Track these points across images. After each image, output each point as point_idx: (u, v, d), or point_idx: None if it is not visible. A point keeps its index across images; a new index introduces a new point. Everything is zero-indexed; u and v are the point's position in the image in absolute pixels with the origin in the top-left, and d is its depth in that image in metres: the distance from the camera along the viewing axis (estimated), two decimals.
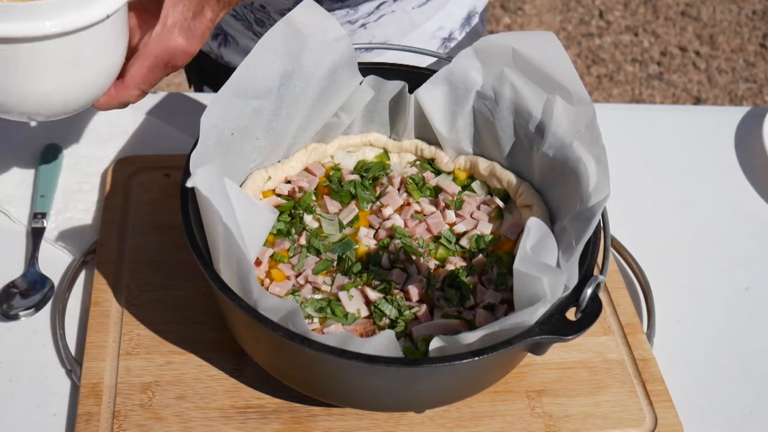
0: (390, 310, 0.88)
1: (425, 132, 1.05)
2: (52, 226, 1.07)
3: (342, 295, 0.89)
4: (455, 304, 0.90)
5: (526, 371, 0.96)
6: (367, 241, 0.95)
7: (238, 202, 0.80)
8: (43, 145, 1.17)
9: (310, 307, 0.88)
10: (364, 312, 0.89)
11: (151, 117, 1.24)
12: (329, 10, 1.07)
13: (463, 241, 0.97)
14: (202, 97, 1.30)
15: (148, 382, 0.91)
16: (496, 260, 0.94)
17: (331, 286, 0.91)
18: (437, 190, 1.02)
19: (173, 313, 0.98)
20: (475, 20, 1.35)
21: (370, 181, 1.02)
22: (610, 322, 1.03)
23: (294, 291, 0.90)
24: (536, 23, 3.21)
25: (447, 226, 0.98)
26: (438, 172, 1.05)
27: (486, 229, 0.98)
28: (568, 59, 0.91)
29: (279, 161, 1.01)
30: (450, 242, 0.97)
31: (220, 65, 1.36)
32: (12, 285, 1.00)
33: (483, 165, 1.03)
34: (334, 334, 0.74)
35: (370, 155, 1.06)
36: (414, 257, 0.94)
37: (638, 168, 1.28)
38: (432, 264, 0.95)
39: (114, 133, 1.20)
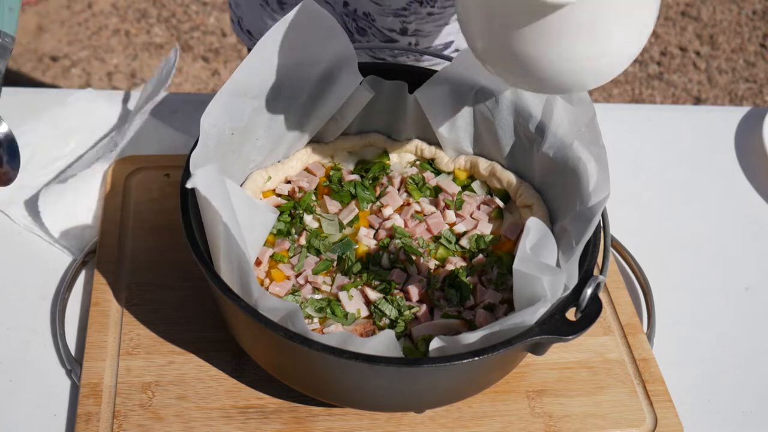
0: (390, 310, 0.88)
1: (425, 132, 1.05)
2: (52, 225, 1.07)
3: (342, 295, 0.89)
4: (455, 304, 0.90)
5: (526, 371, 0.96)
6: (367, 241, 0.96)
7: (239, 202, 0.80)
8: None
9: (310, 307, 0.88)
10: (364, 312, 0.89)
11: (151, 117, 1.24)
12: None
13: (463, 241, 0.97)
14: (202, 97, 1.30)
15: (148, 382, 0.91)
16: (496, 260, 0.94)
17: (331, 286, 0.91)
18: (437, 190, 1.03)
19: (173, 313, 0.98)
20: None
21: (370, 181, 1.02)
22: (610, 322, 1.03)
23: (294, 291, 0.90)
24: None
25: (447, 226, 0.98)
26: (438, 172, 1.05)
27: (486, 229, 0.98)
28: None
29: (279, 161, 1.01)
30: (450, 242, 0.97)
31: None
32: None
33: (483, 165, 1.03)
34: (334, 334, 0.74)
35: (370, 155, 1.06)
36: (414, 257, 0.94)
37: (638, 168, 1.28)
38: (432, 264, 0.95)
39: (114, 134, 1.20)
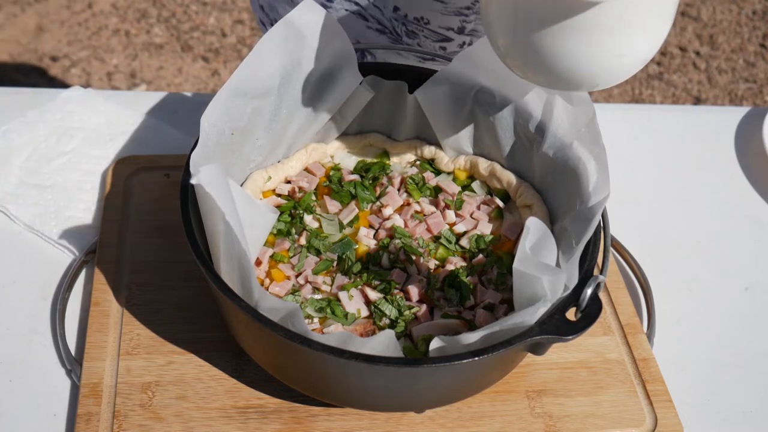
0: (390, 310, 0.88)
1: (425, 132, 1.05)
2: (52, 225, 1.07)
3: (342, 295, 0.89)
4: (455, 304, 0.90)
5: (526, 371, 0.96)
6: (367, 241, 0.96)
7: (240, 202, 0.80)
8: None
9: (310, 307, 0.88)
10: (364, 312, 0.89)
11: (151, 117, 1.24)
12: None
13: (463, 241, 0.97)
14: (202, 97, 1.30)
15: (148, 382, 0.91)
16: (496, 260, 0.94)
17: (331, 286, 0.91)
18: (437, 190, 1.03)
19: (173, 313, 0.98)
20: None
21: (370, 181, 1.02)
22: (610, 322, 1.03)
23: (294, 291, 0.90)
24: None
25: (447, 226, 0.98)
26: (438, 172, 1.05)
27: (486, 229, 0.98)
28: None
29: (279, 161, 1.01)
30: (450, 242, 0.97)
31: None
32: None
33: (483, 165, 1.03)
34: (334, 334, 0.74)
35: (370, 155, 1.06)
36: (414, 257, 0.94)
37: (638, 168, 1.28)
38: (432, 264, 0.95)
39: (114, 133, 1.21)
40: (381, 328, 0.88)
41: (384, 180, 1.03)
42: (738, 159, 1.32)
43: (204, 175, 0.74)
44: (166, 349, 0.94)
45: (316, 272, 0.92)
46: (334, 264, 0.93)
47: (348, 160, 1.05)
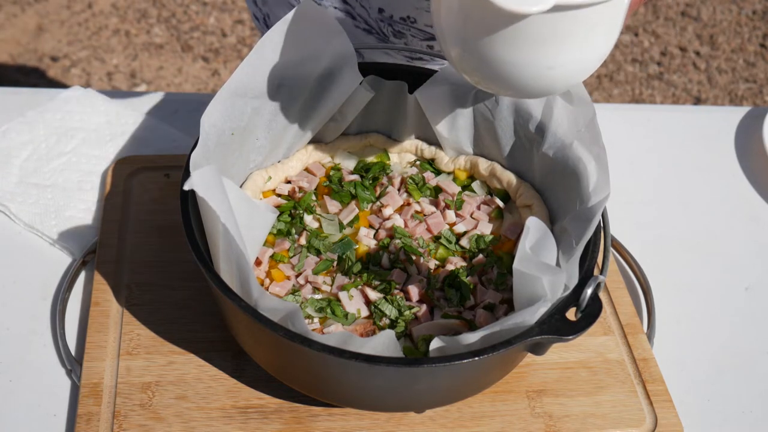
0: (390, 310, 0.88)
1: (425, 132, 1.05)
2: (52, 224, 1.07)
3: (342, 295, 0.89)
4: (455, 304, 0.90)
5: (526, 371, 0.96)
6: (367, 241, 0.96)
7: (238, 203, 0.80)
8: None
9: (310, 307, 0.88)
10: (364, 312, 0.89)
11: (151, 117, 1.24)
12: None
13: (463, 241, 0.97)
14: (202, 97, 1.30)
15: (148, 382, 0.91)
16: (496, 260, 0.94)
17: (331, 286, 0.91)
18: (437, 190, 1.03)
19: (173, 313, 0.98)
20: None
21: (370, 181, 1.02)
22: (610, 322, 1.03)
23: (294, 291, 0.90)
24: None
25: (447, 226, 0.98)
26: (438, 172, 1.05)
27: (486, 229, 0.98)
28: None
29: (279, 161, 1.01)
30: (450, 242, 0.97)
31: None
32: None
33: (483, 165, 1.03)
34: (334, 334, 0.74)
35: (370, 155, 1.06)
36: (414, 257, 0.94)
37: (638, 168, 1.28)
38: (432, 264, 0.95)
39: (114, 133, 1.21)
40: (381, 328, 0.88)
41: (384, 180, 1.03)
42: (738, 159, 1.32)
43: (196, 179, 0.73)
44: (167, 349, 0.94)
45: (316, 272, 0.92)
46: (334, 264, 0.94)
47: (348, 160, 1.05)
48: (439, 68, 1.00)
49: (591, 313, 0.78)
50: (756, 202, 1.26)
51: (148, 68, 2.82)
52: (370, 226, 0.98)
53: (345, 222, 0.98)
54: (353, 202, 1.00)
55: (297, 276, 0.91)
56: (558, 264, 0.84)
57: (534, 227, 0.78)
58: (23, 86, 2.47)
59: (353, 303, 0.89)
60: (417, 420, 0.91)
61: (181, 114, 1.25)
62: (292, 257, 0.93)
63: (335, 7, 1.17)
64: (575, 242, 0.83)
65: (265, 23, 1.34)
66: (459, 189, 1.02)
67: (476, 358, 0.75)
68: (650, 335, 1.03)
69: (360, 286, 0.91)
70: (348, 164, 1.05)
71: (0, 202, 1.09)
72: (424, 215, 0.99)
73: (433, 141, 1.05)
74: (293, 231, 0.96)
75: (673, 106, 1.47)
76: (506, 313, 0.89)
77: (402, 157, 1.06)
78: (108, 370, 0.92)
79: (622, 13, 0.70)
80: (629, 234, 1.15)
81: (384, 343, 0.75)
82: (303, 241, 0.94)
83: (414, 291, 0.90)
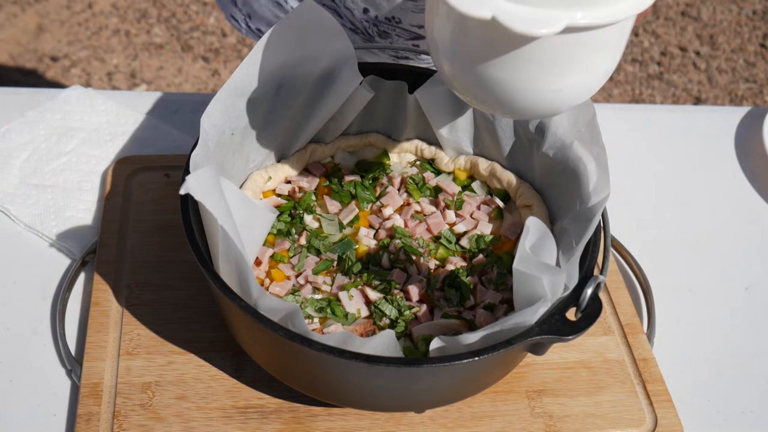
0: (390, 310, 0.88)
1: (425, 132, 1.05)
2: (52, 225, 1.07)
3: (342, 295, 0.89)
4: (455, 304, 0.90)
5: (526, 371, 0.96)
6: (367, 241, 0.96)
7: (237, 203, 0.80)
8: None
9: (310, 307, 0.88)
10: (364, 312, 0.89)
11: (151, 117, 1.24)
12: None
13: (463, 241, 0.97)
14: (202, 97, 1.30)
15: (148, 382, 0.91)
16: (496, 260, 0.94)
17: (331, 286, 0.91)
18: (437, 190, 1.03)
19: (173, 313, 0.98)
20: None
21: (370, 181, 1.02)
22: (610, 322, 1.03)
23: (294, 291, 0.90)
24: None
25: (447, 226, 0.98)
26: (438, 172, 1.05)
27: (486, 229, 0.98)
28: None
29: (279, 161, 1.01)
30: (450, 242, 0.97)
31: None
32: None
33: (483, 165, 1.03)
34: (334, 334, 0.74)
35: (370, 155, 1.06)
36: (414, 257, 0.94)
37: (638, 168, 1.28)
38: (432, 264, 0.95)
39: (114, 133, 1.21)
40: (381, 328, 0.88)
41: (384, 180, 1.03)
42: (738, 159, 1.32)
43: (192, 183, 0.73)
44: (166, 349, 0.94)
45: (316, 272, 0.92)
46: (334, 264, 0.94)
47: (348, 160, 1.05)
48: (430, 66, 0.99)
49: (591, 313, 0.78)
50: (756, 202, 1.26)
51: (148, 68, 2.82)
52: (370, 226, 0.98)
53: (345, 222, 0.98)
54: (353, 202, 1.00)
55: (297, 276, 0.91)
56: (558, 264, 0.84)
57: (534, 227, 0.78)
58: (23, 86, 2.47)
59: (353, 303, 0.89)
60: (417, 420, 0.91)
61: (181, 114, 1.25)
62: (292, 257, 0.93)
63: (323, 4, 1.17)
64: (575, 242, 0.83)
65: (247, 24, 1.34)
66: (459, 189, 1.02)
67: (476, 358, 0.75)
68: (650, 335, 1.03)
69: (360, 286, 0.91)
70: (348, 164, 1.05)
71: (1, 204, 1.09)
72: (424, 215, 0.99)
73: (433, 141, 1.05)
74: (293, 231, 0.96)
75: (673, 106, 1.47)
76: (506, 313, 0.89)
77: (402, 157, 1.06)
78: (108, 370, 0.92)
79: (628, 32, 0.69)
80: (629, 234, 1.15)
81: (384, 343, 0.75)
82: (303, 241, 0.94)
83: (414, 291, 0.90)
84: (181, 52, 2.90)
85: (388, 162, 1.06)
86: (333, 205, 0.99)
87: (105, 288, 0.99)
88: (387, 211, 0.98)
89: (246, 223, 0.82)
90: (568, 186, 0.91)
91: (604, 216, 0.88)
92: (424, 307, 0.89)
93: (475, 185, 1.03)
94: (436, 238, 0.97)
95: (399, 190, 1.02)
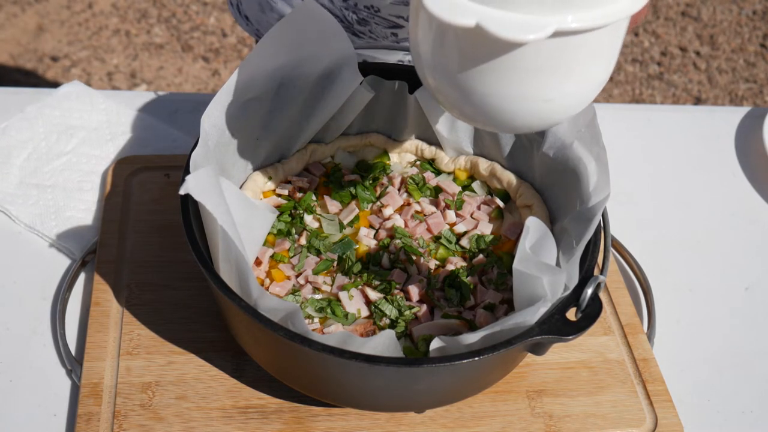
0: (390, 310, 0.88)
1: (425, 132, 1.05)
2: (53, 225, 1.07)
3: (342, 295, 0.89)
4: (455, 304, 0.90)
5: (526, 371, 0.96)
6: (367, 241, 0.96)
7: (237, 203, 0.80)
8: None
9: (311, 307, 0.88)
10: (365, 312, 0.89)
11: (151, 117, 1.24)
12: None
13: (464, 241, 0.97)
14: (202, 97, 1.30)
15: (148, 382, 0.91)
16: (496, 260, 0.94)
17: (332, 286, 0.91)
18: (437, 190, 1.03)
19: (173, 313, 0.98)
20: None
21: (370, 181, 1.02)
22: (610, 322, 1.03)
23: (294, 291, 0.90)
24: None
25: (447, 226, 0.98)
26: (438, 172, 1.05)
27: (486, 229, 0.98)
28: None
29: (279, 161, 1.01)
30: (450, 242, 0.97)
31: None
32: None
33: (483, 165, 1.03)
34: (334, 334, 0.74)
35: (370, 155, 1.06)
36: (414, 257, 0.94)
37: (638, 168, 1.28)
38: (432, 264, 0.95)
39: (114, 133, 1.21)
40: (381, 328, 0.88)
41: (384, 180, 1.03)
42: (738, 159, 1.32)
43: (191, 183, 0.73)
44: (167, 349, 0.94)
45: (316, 272, 0.92)
46: (335, 264, 0.94)
47: (348, 160, 1.05)
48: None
49: (591, 313, 0.78)
50: (756, 202, 1.26)
51: (148, 68, 2.82)
52: (371, 226, 0.98)
53: (345, 222, 0.98)
54: (353, 202, 1.00)
55: (297, 276, 0.91)
56: (558, 264, 0.84)
57: (534, 227, 0.78)
58: (23, 86, 2.47)
59: (353, 303, 0.89)
60: (417, 420, 0.91)
61: (181, 114, 1.25)
62: (292, 257, 0.93)
63: None
64: (575, 242, 0.83)
65: (238, 9, 1.34)
66: (459, 189, 1.02)
67: (476, 358, 0.75)
68: (650, 335, 1.03)
69: (360, 286, 0.91)
70: (348, 164, 1.05)
71: (1, 205, 1.09)
72: (425, 215, 0.99)
73: (434, 141, 1.05)
74: (293, 231, 0.96)
75: (673, 106, 1.47)
76: (506, 313, 0.89)
77: (402, 157, 1.07)
78: (108, 370, 0.92)
79: (622, 36, 0.66)
80: (629, 234, 1.15)
81: (384, 343, 0.75)
82: (303, 241, 0.94)
83: (414, 291, 0.90)
84: (181, 52, 2.90)
85: (388, 162, 1.06)
86: (333, 205, 0.99)
87: (105, 288, 0.99)
88: (387, 211, 0.98)
89: (246, 223, 0.82)
90: (568, 186, 0.91)
91: (604, 216, 0.88)
92: (424, 307, 0.89)
93: (476, 185, 1.03)
94: (437, 238, 0.97)
95: (399, 190, 1.02)
